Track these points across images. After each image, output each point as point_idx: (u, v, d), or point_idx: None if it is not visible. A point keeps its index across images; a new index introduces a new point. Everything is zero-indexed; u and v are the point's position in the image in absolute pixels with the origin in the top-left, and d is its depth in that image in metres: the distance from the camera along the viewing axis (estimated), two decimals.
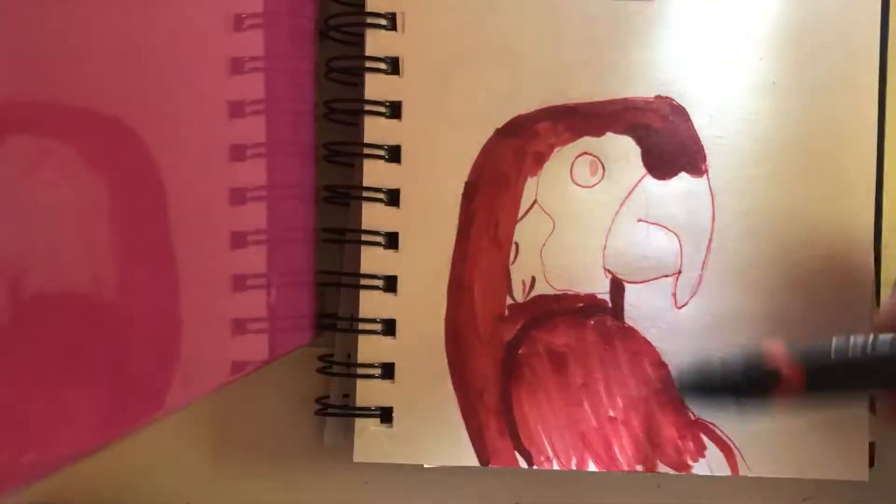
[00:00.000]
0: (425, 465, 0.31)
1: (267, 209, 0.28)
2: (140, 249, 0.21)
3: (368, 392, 0.31)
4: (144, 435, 0.32)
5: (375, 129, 0.30)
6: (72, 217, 0.18)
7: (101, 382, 0.20)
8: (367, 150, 0.30)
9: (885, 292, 0.31)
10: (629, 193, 0.30)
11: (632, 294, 0.30)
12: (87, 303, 0.19)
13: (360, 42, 0.30)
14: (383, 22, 0.30)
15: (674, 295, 0.30)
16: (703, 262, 0.30)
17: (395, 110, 0.31)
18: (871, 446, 0.31)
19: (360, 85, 0.31)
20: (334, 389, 0.32)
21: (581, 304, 0.31)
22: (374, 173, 0.31)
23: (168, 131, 0.22)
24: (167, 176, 0.22)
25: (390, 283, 0.31)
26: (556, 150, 0.31)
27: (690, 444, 0.30)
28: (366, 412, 0.31)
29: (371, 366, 0.31)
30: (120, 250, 0.20)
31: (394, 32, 0.30)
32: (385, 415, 0.31)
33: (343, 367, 0.32)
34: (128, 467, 0.33)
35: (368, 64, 0.30)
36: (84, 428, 0.19)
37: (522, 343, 0.31)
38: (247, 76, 0.27)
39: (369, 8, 0.30)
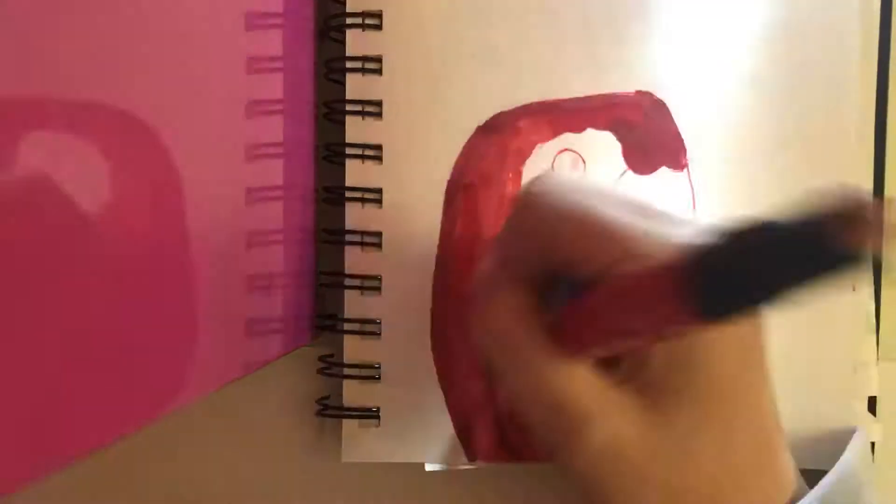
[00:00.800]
0: (427, 468, 0.31)
1: (267, 209, 0.28)
2: (140, 250, 0.21)
3: (355, 392, 0.31)
4: (143, 434, 0.32)
5: (357, 129, 0.30)
6: (70, 215, 0.18)
7: (101, 383, 0.20)
8: (349, 150, 0.30)
9: (885, 293, 0.31)
10: None
11: None
12: (87, 304, 0.19)
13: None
14: (363, 21, 0.30)
15: None
16: None
17: (375, 109, 0.31)
18: (871, 446, 0.31)
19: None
20: (335, 391, 0.32)
21: None
22: (357, 173, 0.30)
23: (168, 132, 0.22)
24: (167, 176, 0.22)
25: (376, 284, 0.31)
26: (537, 146, 0.31)
27: None
28: (366, 413, 0.31)
29: (356, 366, 0.31)
30: (121, 253, 0.20)
31: (374, 31, 0.30)
32: (368, 416, 0.31)
33: (334, 368, 0.31)
34: (127, 467, 0.32)
35: (349, 64, 0.30)
36: (84, 428, 0.19)
37: None
38: (248, 77, 0.27)
39: (349, 7, 0.30)
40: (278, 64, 0.29)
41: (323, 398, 0.32)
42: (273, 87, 0.28)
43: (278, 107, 0.29)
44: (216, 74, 0.25)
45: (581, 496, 0.22)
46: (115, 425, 0.21)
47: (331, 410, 0.32)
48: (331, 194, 0.31)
